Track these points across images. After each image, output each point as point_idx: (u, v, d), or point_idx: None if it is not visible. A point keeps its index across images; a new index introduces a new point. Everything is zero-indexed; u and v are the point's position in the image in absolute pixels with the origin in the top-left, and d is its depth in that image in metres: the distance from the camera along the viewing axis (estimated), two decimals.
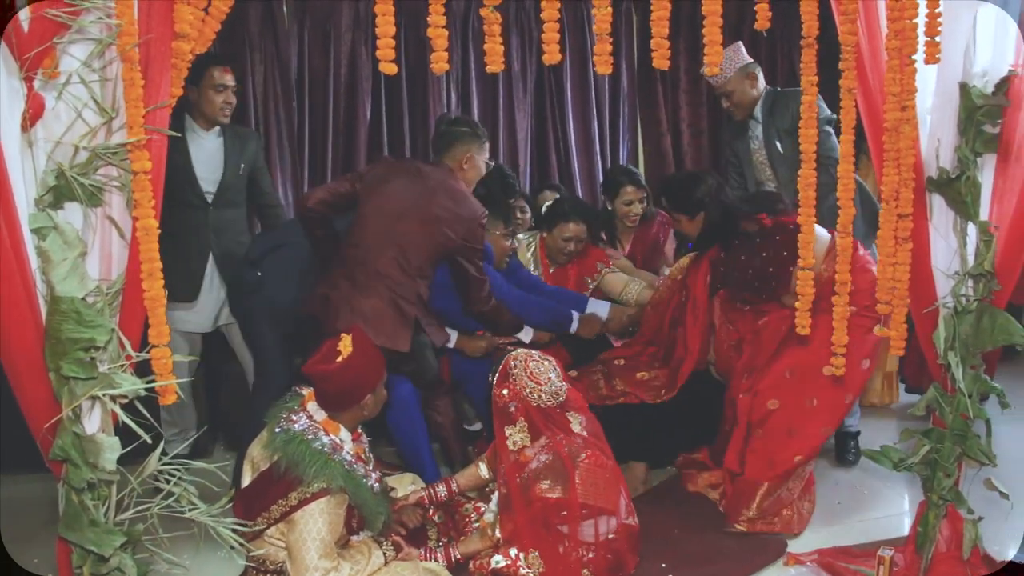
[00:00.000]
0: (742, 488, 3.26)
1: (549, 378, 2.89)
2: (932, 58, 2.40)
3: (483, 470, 3.15)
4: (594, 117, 5.84)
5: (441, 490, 3.13)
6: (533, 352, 2.97)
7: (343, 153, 5.40)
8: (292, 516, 2.53)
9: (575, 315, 3.82)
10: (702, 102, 5.91)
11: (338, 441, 2.66)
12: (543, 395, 2.87)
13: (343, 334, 2.72)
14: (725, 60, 3.74)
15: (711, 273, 3.55)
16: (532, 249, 4.25)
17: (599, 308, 3.95)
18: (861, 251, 3.32)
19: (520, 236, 4.28)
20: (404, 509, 3.01)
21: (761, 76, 3.96)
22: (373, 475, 2.76)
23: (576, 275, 4.19)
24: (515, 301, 3.66)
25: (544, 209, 4.29)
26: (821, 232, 3.31)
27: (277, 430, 2.62)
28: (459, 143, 3.36)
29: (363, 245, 3.25)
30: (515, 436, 2.87)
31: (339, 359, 2.63)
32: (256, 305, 3.55)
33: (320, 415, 2.69)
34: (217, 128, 3.75)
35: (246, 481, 2.68)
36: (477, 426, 4.15)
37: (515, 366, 2.91)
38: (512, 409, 2.87)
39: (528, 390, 2.87)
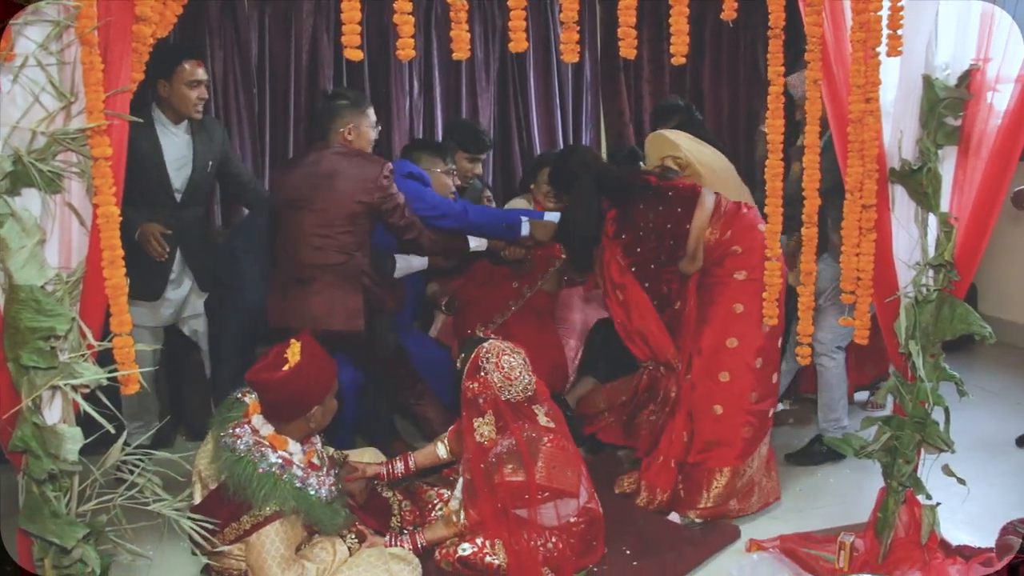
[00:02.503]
0: (698, 476, 3.27)
1: (520, 373, 2.89)
2: (895, 51, 2.43)
3: (441, 450, 3.15)
4: (557, 106, 5.84)
5: (399, 467, 3.12)
6: (505, 345, 2.96)
7: (304, 140, 5.34)
8: (247, 539, 2.47)
9: (524, 219, 3.89)
10: (665, 92, 5.92)
11: (287, 456, 2.55)
12: (513, 390, 2.87)
13: (292, 340, 2.63)
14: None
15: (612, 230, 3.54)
16: None
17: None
18: (744, 209, 3.35)
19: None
20: (354, 483, 2.95)
21: None
22: (327, 480, 2.65)
23: None
24: (473, 212, 3.83)
25: None
26: (707, 195, 3.35)
27: (222, 444, 2.51)
28: (338, 117, 3.41)
29: (290, 244, 3.37)
30: (483, 428, 2.86)
31: (285, 367, 2.54)
32: (230, 301, 3.71)
33: (266, 429, 2.58)
34: (185, 123, 3.65)
35: (196, 494, 2.58)
36: None
37: (487, 360, 2.90)
38: (481, 402, 2.86)
39: (499, 385, 2.86)
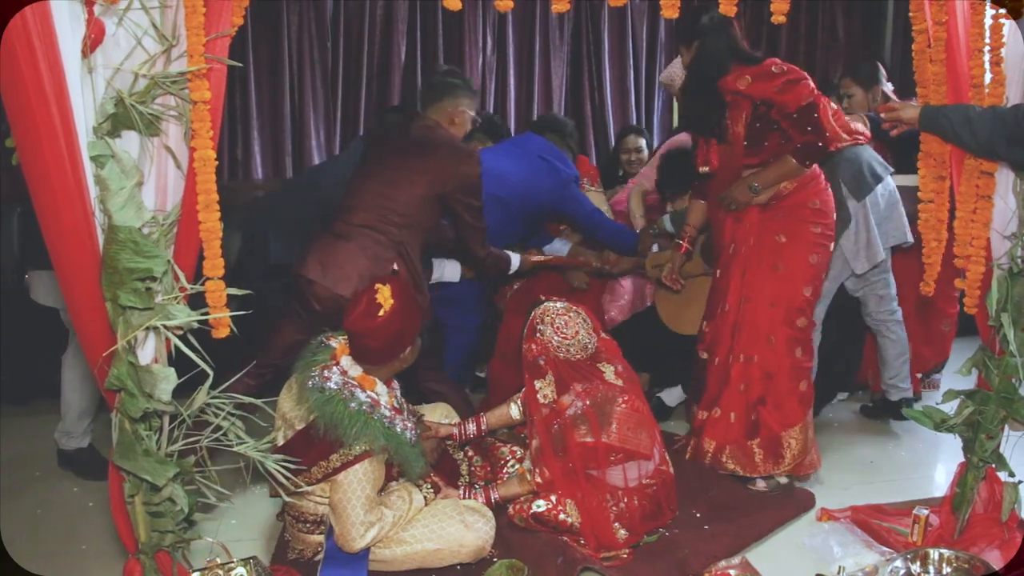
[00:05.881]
0: (772, 441, 3.23)
1: (576, 331, 2.87)
2: (1017, 13, 2.34)
3: (514, 411, 3.13)
4: (630, 67, 5.78)
5: (471, 428, 3.12)
6: (560, 305, 2.94)
7: (377, 96, 5.36)
8: (334, 478, 2.49)
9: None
10: None
11: (375, 396, 2.58)
12: (571, 349, 2.85)
13: (379, 285, 2.61)
14: (678, 70, 3.65)
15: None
16: None
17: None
18: (823, 177, 3.28)
19: None
20: (427, 441, 2.93)
21: None
22: (409, 424, 2.68)
23: None
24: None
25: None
26: None
27: (310, 385, 2.52)
28: (450, 96, 3.28)
29: (349, 205, 3.17)
30: (544, 389, 2.85)
31: (381, 313, 2.54)
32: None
33: (355, 370, 2.60)
34: None
35: (280, 437, 2.61)
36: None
37: (541, 320, 2.89)
38: (541, 363, 2.85)
39: (555, 344, 2.85)
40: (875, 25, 6.03)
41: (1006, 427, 2.70)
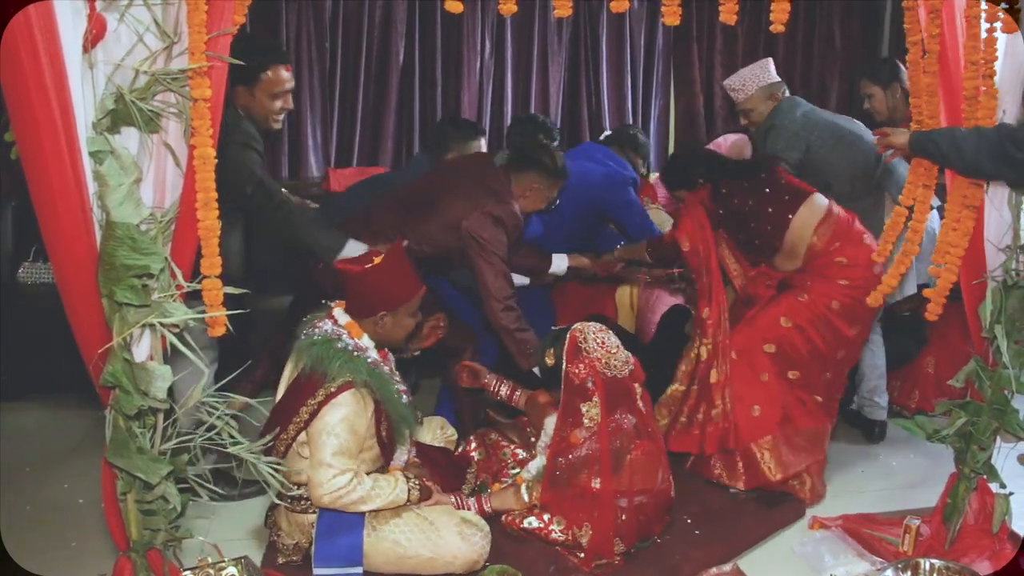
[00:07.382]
0: (747, 457, 3.25)
1: (617, 345, 2.84)
2: (1010, 27, 2.35)
3: (520, 399, 3.15)
4: (628, 73, 5.79)
5: (504, 390, 3.15)
6: (594, 324, 2.89)
7: (374, 96, 5.37)
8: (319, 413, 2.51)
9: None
10: (737, 63, 5.83)
11: (361, 344, 2.65)
12: (616, 363, 2.80)
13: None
14: (748, 77, 3.72)
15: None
16: None
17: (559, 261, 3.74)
18: (856, 223, 3.28)
19: None
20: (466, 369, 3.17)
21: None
22: (399, 385, 2.73)
23: None
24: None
25: None
26: (819, 200, 3.27)
27: (302, 336, 2.63)
28: (536, 171, 3.31)
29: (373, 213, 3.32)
30: (591, 411, 2.77)
31: (367, 266, 2.63)
32: None
33: (344, 319, 2.68)
34: None
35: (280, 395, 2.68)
36: None
37: (584, 340, 2.81)
38: (590, 385, 2.77)
39: (604, 361, 2.79)
40: (871, 32, 6.05)
41: (998, 438, 2.71)
